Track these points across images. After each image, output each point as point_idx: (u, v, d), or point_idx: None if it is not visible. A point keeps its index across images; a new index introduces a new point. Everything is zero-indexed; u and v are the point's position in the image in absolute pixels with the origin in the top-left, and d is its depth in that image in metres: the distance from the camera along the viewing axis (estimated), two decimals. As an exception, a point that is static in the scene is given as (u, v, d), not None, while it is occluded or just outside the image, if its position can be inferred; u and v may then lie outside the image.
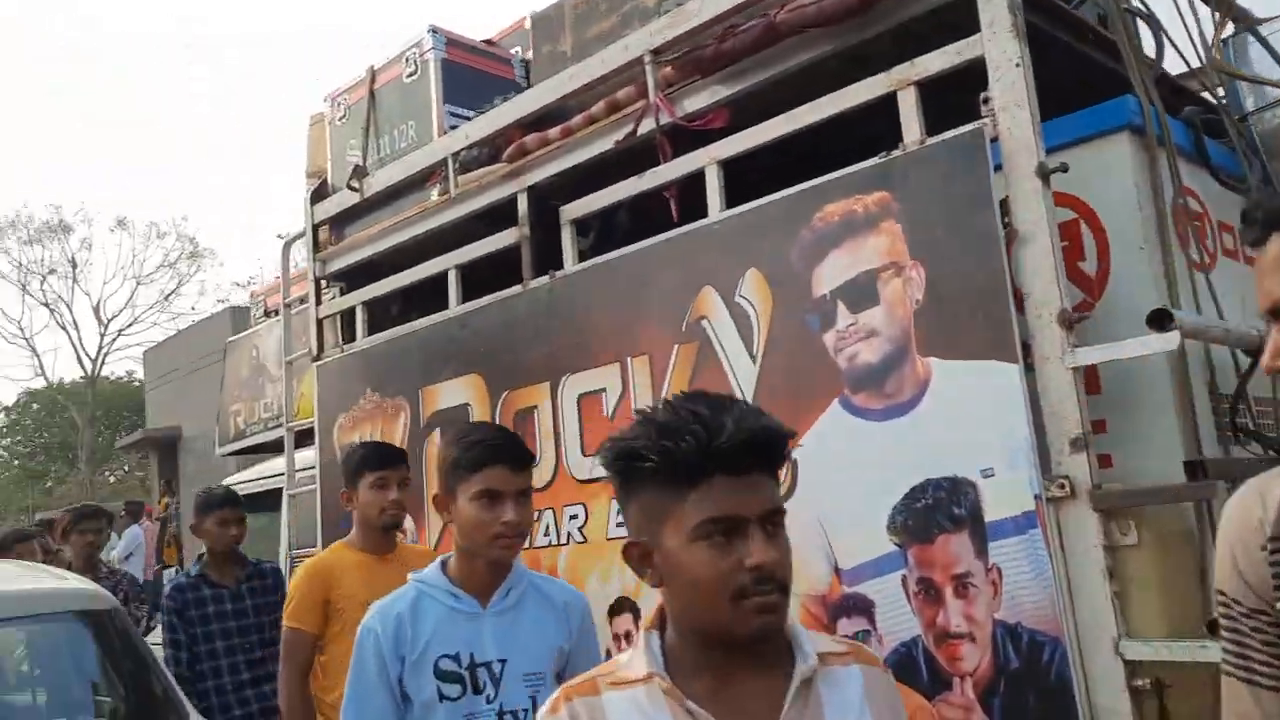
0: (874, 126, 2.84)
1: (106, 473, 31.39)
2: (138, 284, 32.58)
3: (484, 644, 2.10)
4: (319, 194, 4.78)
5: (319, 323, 4.68)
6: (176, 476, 17.09)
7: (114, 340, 32.49)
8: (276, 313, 6.32)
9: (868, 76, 2.83)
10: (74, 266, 31.96)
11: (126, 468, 30.79)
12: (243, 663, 3.91)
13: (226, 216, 45.38)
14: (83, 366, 32.33)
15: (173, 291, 32.71)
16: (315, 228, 4.76)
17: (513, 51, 4.73)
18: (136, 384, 31.50)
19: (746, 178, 3.16)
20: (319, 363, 4.60)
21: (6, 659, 2.70)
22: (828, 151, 3.02)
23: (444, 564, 2.23)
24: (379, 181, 4.37)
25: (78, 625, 2.68)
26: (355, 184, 4.46)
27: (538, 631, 2.14)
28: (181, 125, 45.71)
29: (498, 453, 2.15)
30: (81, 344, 33.56)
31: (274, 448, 5.99)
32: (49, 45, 44.58)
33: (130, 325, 32.73)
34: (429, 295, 4.45)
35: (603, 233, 3.71)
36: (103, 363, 32.51)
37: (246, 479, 5.72)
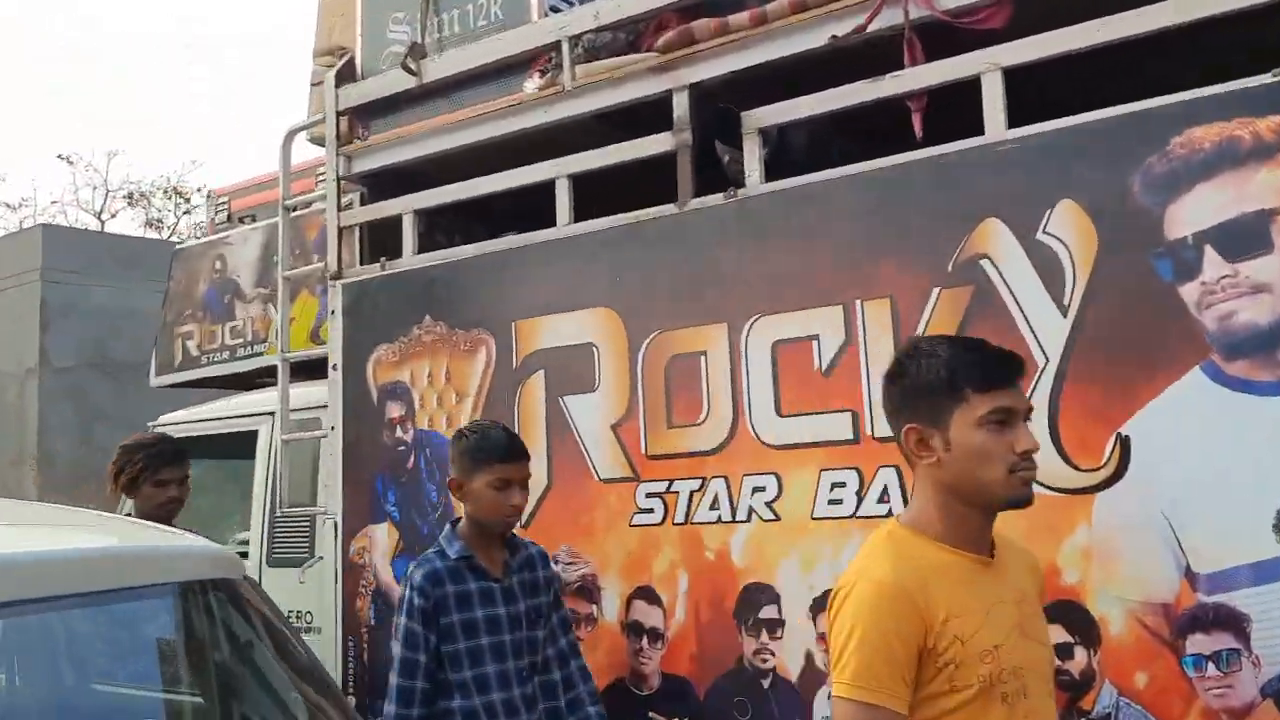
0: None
1: None
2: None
3: None
4: (344, 76, 3.89)
5: (340, 233, 3.81)
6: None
7: None
8: (251, 219, 5.26)
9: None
10: None
11: None
12: (520, 699, 2.59)
13: (11, 131, 42.14)
14: None
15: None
16: (338, 117, 3.87)
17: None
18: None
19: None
20: (342, 280, 3.74)
21: (116, 641, 1.80)
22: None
23: None
24: (452, 64, 3.54)
25: (212, 599, 1.82)
26: (413, 65, 3.62)
27: None
28: (181, 125, 43.60)
29: None
30: None
31: (240, 382, 4.95)
32: (49, 45, 43.11)
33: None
34: (489, 211, 3.70)
35: (778, 150, 3.08)
36: None
37: (197, 418, 4.69)
